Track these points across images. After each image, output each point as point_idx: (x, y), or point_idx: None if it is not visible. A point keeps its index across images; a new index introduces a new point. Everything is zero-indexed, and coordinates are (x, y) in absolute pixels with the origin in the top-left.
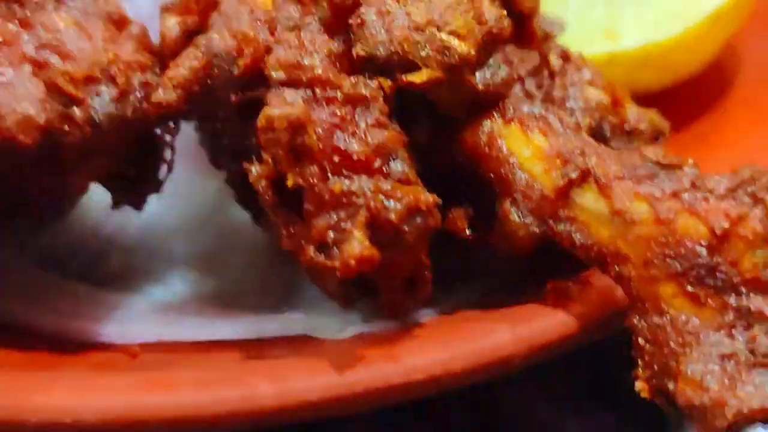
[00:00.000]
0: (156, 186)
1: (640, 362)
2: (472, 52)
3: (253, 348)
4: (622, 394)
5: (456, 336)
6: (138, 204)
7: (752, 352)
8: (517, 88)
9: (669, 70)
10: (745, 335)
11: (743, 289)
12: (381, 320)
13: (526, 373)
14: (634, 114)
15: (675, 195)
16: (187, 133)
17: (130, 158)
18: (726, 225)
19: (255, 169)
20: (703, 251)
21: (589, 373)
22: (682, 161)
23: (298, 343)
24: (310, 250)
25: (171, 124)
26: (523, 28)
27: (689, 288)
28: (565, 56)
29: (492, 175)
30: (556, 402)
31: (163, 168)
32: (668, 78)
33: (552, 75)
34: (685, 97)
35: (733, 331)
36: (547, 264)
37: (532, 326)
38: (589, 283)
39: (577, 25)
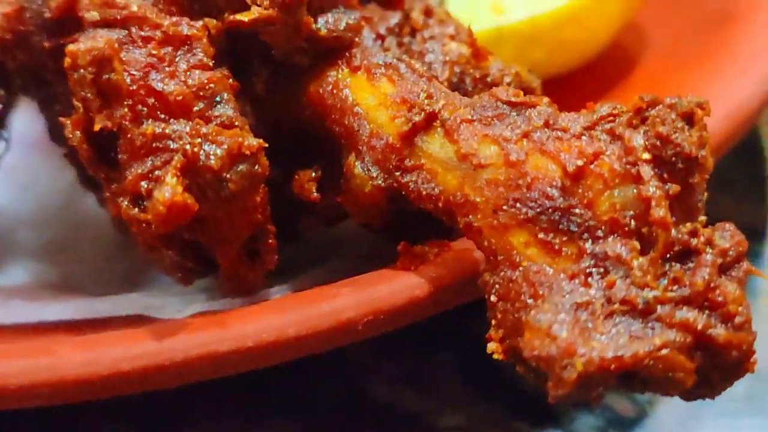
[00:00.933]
0: None
1: (493, 322)
2: None
3: (81, 327)
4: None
5: (295, 303)
6: None
7: (609, 299)
8: (374, 44)
9: (562, 48)
10: (602, 282)
11: (600, 233)
12: (226, 299)
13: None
14: (498, 67)
15: (526, 135)
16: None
17: None
18: (580, 163)
19: (69, 122)
20: (556, 193)
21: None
22: (535, 101)
23: (131, 323)
24: (125, 204)
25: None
26: None
27: (542, 235)
28: (428, 12)
29: (337, 128)
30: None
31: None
32: (563, 56)
33: (414, 32)
34: (589, 78)
35: (589, 279)
36: (410, 235)
37: (378, 289)
38: (447, 246)
39: (461, 1)
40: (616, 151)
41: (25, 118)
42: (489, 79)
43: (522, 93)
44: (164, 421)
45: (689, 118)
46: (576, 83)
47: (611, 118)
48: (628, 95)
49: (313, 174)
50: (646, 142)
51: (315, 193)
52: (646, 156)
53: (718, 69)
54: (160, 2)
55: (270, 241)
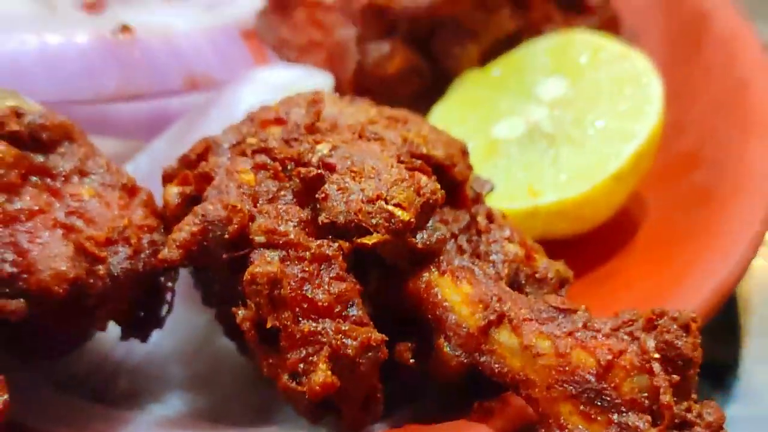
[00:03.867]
0: (159, 323)
1: None
2: (412, 220)
3: None
4: None
5: None
6: (144, 337)
7: None
8: (451, 243)
9: (581, 221)
10: None
11: (623, 408)
12: None
13: None
14: (544, 265)
15: (570, 334)
16: (183, 275)
17: (139, 301)
18: (609, 357)
19: (241, 313)
20: (592, 378)
21: None
22: (576, 307)
23: None
24: (285, 378)
25: (172, 273)
26: (457, 193)
27: (582, 407)
28: (490, 217)
29: (429, 317)
30: None
31: (165, 308)
32: (581, 227)
33: (479, 232)
34: (595, 242)
35: None
36: (475, 389)
37: None
38: (509, 402)
39: (505, 184)
40: (635, 349)
41: None
42: (537, 275)
43: (566, 300)
44: None
45: (686, 328)
46: (583, 244)
47: (630, 323)
48: (629, 258)
49: (410, 345)
50: (657, 345)
51: (411, 360)
52: (657, 355)
53: (704, 249)
54: (307, 228)
55: (378, 395)
